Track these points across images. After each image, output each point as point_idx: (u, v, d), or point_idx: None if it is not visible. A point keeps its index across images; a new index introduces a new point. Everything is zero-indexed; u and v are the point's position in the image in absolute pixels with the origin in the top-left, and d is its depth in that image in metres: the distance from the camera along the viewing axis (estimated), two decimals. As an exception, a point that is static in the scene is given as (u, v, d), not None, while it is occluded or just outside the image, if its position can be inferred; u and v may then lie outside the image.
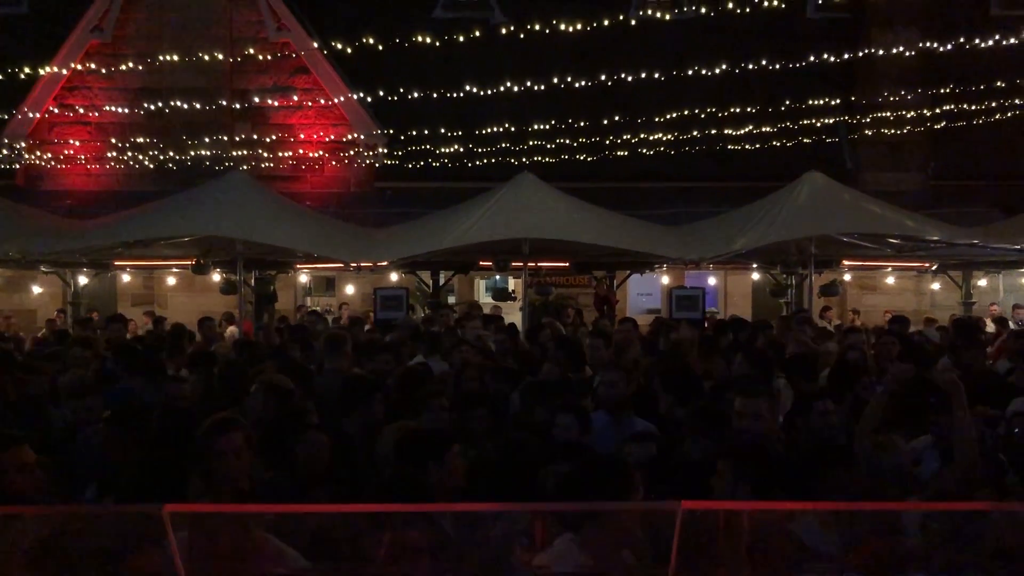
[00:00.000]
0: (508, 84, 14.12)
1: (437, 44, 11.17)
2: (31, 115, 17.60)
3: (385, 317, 12.12)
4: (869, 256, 14.69)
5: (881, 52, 14.42)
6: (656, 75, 12.19)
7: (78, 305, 15.34)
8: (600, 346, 8.01)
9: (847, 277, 16.04)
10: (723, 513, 2.95)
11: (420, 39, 11.04)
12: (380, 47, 11.24)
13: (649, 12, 12.77)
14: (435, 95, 14.59)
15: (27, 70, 12.77)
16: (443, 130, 16.26)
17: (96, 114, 17.22)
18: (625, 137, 15.70)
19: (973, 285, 15.59)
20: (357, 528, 3.01)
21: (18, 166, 17.84)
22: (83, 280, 15.31)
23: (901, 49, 14.15)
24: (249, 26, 18.40)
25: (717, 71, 12.42)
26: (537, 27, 11.03)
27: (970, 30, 15.00)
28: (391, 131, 17.00)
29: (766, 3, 10.13)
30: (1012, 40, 11.76)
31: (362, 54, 11.75)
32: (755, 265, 14.90)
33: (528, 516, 3.24)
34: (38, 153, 17.52)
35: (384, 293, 13.11)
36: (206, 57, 13.23)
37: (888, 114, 16.25)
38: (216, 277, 14.79)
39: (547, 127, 15.61)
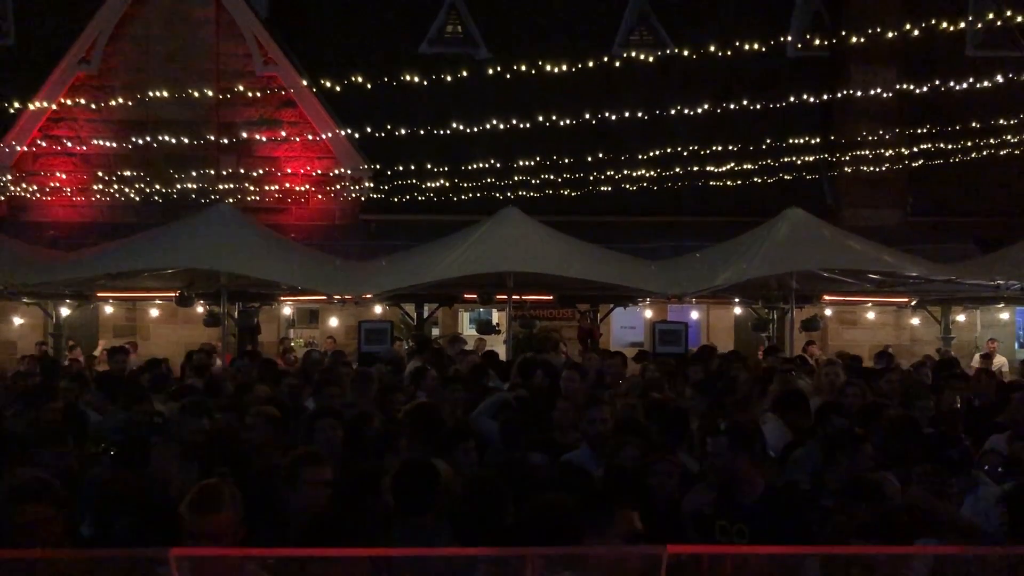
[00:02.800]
0: (494, 120, 14.28)
1: (425, 83, 11.29)
2: (16, 146, 17.60)
3: (370, 350, 12.13)
4: (849, 291, 14.86)
5: (859, 93, 14.71)
6: (639, 114, 12.37)
7: (60, 337, 15.26)
8: (575, 379, 7.99)
9: (828, 312, 16.20)
10: (707, 557, 2.99)
11: (408, 77, 11.17)
12: (367, 83, 11.34)
13: (633, 53, 12.95)
14: (417, 131, 14.74)
15: (16, 104, 12.78)
16: (429, 164, 16.38)
17: (82, 147, 17.25)
18: (609, 173, 15.88)
19: (952, 320, 15.78)
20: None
21: (2, 197, 17.79)
22: (65, 311, 15.23)
23: (879, 90, 14.45)
24: (236, 59, 18.52)
25: (699, 110, 12.63)
26: (523, 67, 11.19)
27: (947, 70, 15.35)
28: (377, 166, 17.10)
29: (747, 46, 10.33)
30: (986, 83, 12.06)
31: (349, 89, 11.85)
32: (737, 300, 15.04)
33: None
34: (23, 185, 17.48)
35: (369, 326, 13.14)
36: (196, 94, 13.31)
37: (867, 152, 16.54)
38: (200, 309, 14.78)
39: (532, 163, 15.78)
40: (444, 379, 8.12)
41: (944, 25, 11.14)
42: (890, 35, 11.72)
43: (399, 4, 21.47)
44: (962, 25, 11.27)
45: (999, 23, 13.74)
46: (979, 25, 16.16)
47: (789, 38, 12.81)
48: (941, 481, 4.60)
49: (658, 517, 4.27)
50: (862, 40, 12.71)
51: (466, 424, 5.99)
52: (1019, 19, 12.51)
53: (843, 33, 13.83)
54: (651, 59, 10.98)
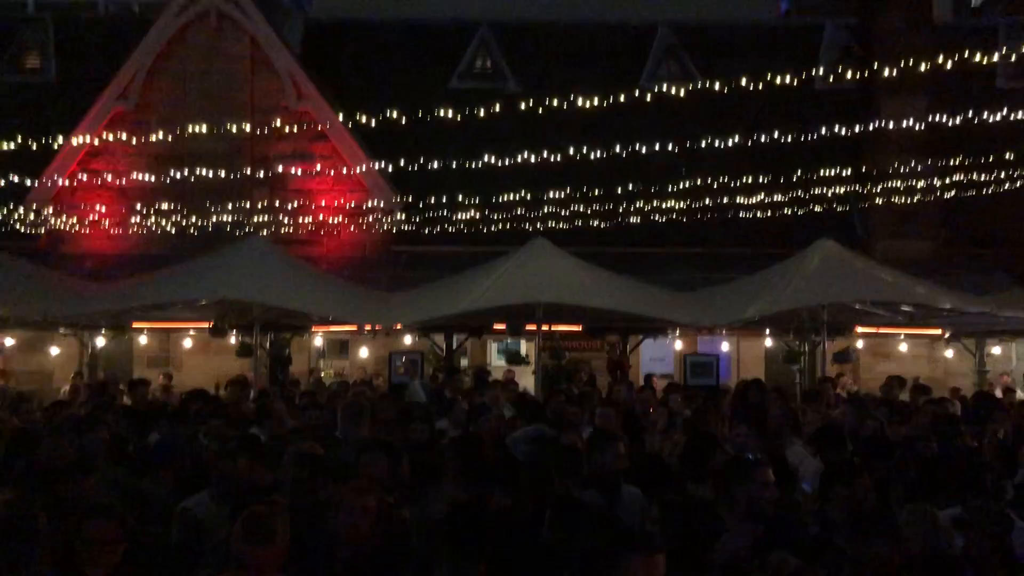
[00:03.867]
0: (523, 153, 14.40)
1: (457, 117, 11.43)
2: (56, 180, 17.98)
3: (400, 381, 12.18)
4: (882, 323, 14.73)
5: (891, 125, 14.68)
6: (669, 147, 12.42)
7: (95, 367, 15.47)
8: (611, 415, 7.90)
9: (860, 344, 16.04)
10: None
11: (441, 112, 11.32)
12: (398, 118, 11.50)
13: (664, 87, 13.03)
14: (448, 164, 14.89)
15: (56, 139, 13.11)
16: (459, 196, 16.51)
17: (119, 180, 17.58)
18: (639, 204, 15.93)
19: (987, 353, 15.57)
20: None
21: (46, 231, 18.14)
22: (100, 342, 15.45)
23: (909, 122, 14.40)
24: (270, 95, 18.86)
25: (730, 143, 12.66)
26: (552, 101, 11.30)
27: (978, 101, 15.27)
28: (408, 198, 17.26)
29: (776, 79, 10.35)
30: (1020, 114, 11.97)
31: (380, 123, 12.02)
32: (768, 331, 14.94)
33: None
34: (64, 217, 17.82)
35: (399, 357, 13.18)
36: (231, 128, 13.57)
37: (899, 184, 16.44)
38: (232, 340, 14.94)
39: (562, 194, 15.86)
40: (475, 407, 8.12)
41: (976, 58, 11.11)
42: (921, 68, 11.68)
43: (430, 39, 21.83)
44: (995, 58, 11.20)
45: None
46: (1012, 58, 16.09)
47: (820, 71, 12.76)
48: (999, 515, 4.48)
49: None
50: (893, 74, 12.71)
51: (513, 459, 5.90)
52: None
53: (874, 66, 13.81)
54: (682, 93, 11.01)
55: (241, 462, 5.44)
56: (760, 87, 10.91)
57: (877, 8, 19.82)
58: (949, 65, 11.44)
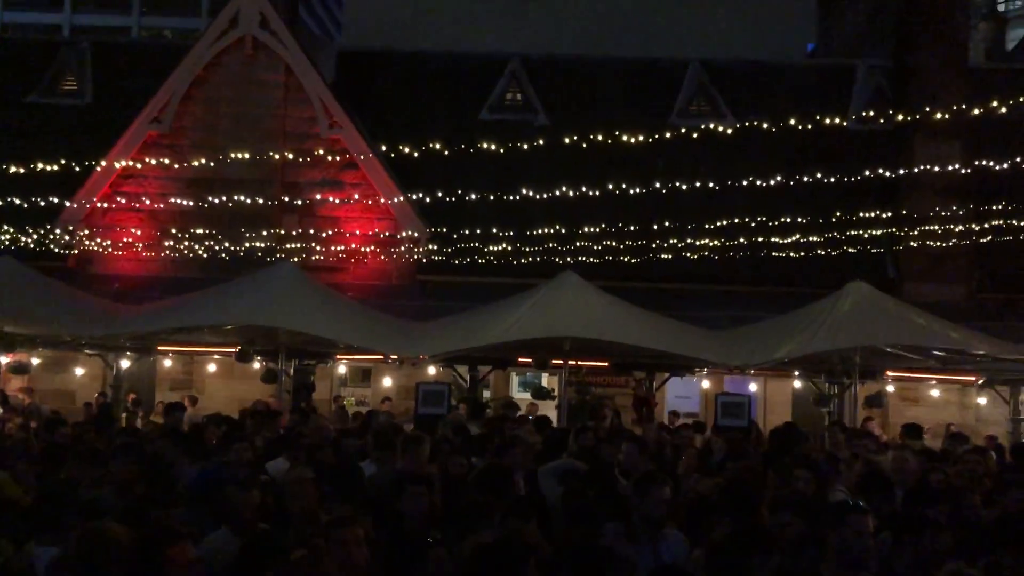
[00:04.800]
0: (553, 186, 14.38)
1: (490, 148, 11.43)
2: (87, 202, 18.13)
3: (427, 412, 12.06)
4: (914, 368, 14.50)
5: (920, 168, 14.60)
6: (697, 184, 12.39)
7: (119, 388, 15.46)
8: (635, 452, 7.77)
9: (890, 388, 15.78)
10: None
11: (474, 146, 11.34)
12: (428, 148, 11.53)
13: (694, 125, 13.02)
14: (478, 196, 14.89)
15: (91, 163, 13.23)
16: (488, 228, 16.48)
17: (150, 203, 17.71)
18: (672, 241, 15.85)
19: (1021, 400, 15.26)
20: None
21: (76, 251, 18.26)
22: (125, 363, 15.46)
23: (939, 167, 14.32)
24: (302, 122, 19.00)
25: (760, 183, 12.60)
26: (580, 135, 11.33)
27: (1013, 145, 15.14)
28: (442, 229, 17.27)
29: (807, 120, 10.33)
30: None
31: (410, 153, 12.05)
32: (797, 373, 14.74)
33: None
34: (99, 240, 17.95)
35: (426, 388, 13.09)
36: (262, 155, 13.66)
37: (936, 228, 16.27)
38: (256, 366, 14.92)
39: (595, 229, 15.82)
40: (505, 440, 8.00)
41: (1011, 103, 11.01)
42: (947, 115, 11.61)
43: (461, 72, 21.96)
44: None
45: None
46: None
47: (854, 113, 12.76)
48: None
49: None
50: (919, 117, 12.63)
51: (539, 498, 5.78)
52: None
53: (908, 108, 13.76)
54: (707, 128, 11.01)
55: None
56: (790, 127, 10.86)
57: (910, 50, 19.76)
58: (983, 110, 11.37)
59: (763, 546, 4.33)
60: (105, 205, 18.43)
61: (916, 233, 16.42)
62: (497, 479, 5.69)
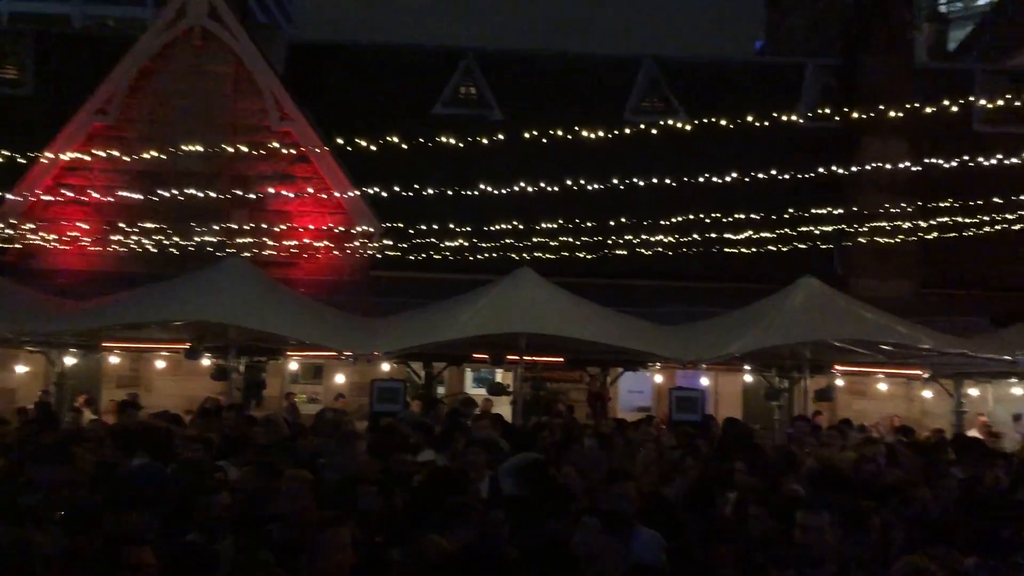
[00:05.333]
0: (506, 181, 14.36)
1: (446, 142, 11.35)
2: (28, 195, 17.62)
3: (382, 410, 11.95)
4: (862, 362, 14.76)
5: (868, 167, 14.88)
6: (664, 181, 12.46)
7: (62, 386, 15.05)
8: (596, 447, 7.79)
9: (839, 382, 16.06)
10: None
11: (428, 140, 11.24)
12: (380, 142, 11.42)
13: (655, 120, 13.09)
14: (433, 191, 14.80)
15: (35, 154, 12.85)
16: (443, 223, 16.40)
17: (96, 196, 17.27)
18: (627, 237, 15.94)
19: (964, 394, 15.63)
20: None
21: (20, 245, 17.73)
22: (69, 361, 15.06)
23: (881, 164, 14.62)
24: (252, 114, 18.68)
25: (715, 179, 12.74)
26: (534, 132, 11.31)
27: (955, 145, 15.50)
28: (398, 224, 17.14)
29: (756, 116, 10.45)
30: (993, 160, 12.18)
31: (362, 146, 11.92)
32: (749, 368, 14.92)
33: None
34: (42, 234, 17.45)
35: (381, 385, 12.97)
36: (212, 147, 13.37)
37: (879, 223, 16.60)
38: (206, 362, 14.64)
39: (551, 225, 15.84)
40: (465, 442, 7.94)
41: (953, 103, 11.28)
42: (893, 113, 11.86)
43: (414, 65, 21.79)
44: (977, 103, 11.40)
45: (1006, 103, 13.91)
46: (989, 105, 16.37)
47: (802, 111, 12.97)
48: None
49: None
50: (869, 116, 12.87)
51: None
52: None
53: (852, 106, 14.03)
54: (663, 124, 11.08)
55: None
56: (741, 123, 10.98)
57: (857, 49, 20.11)
58: (927, 109, 11.61)
59: (726, 539, 4.35)
60: (49, 198, 17.92)
61: (864, 230, 16.72)
62: (448, 482, 5.63)
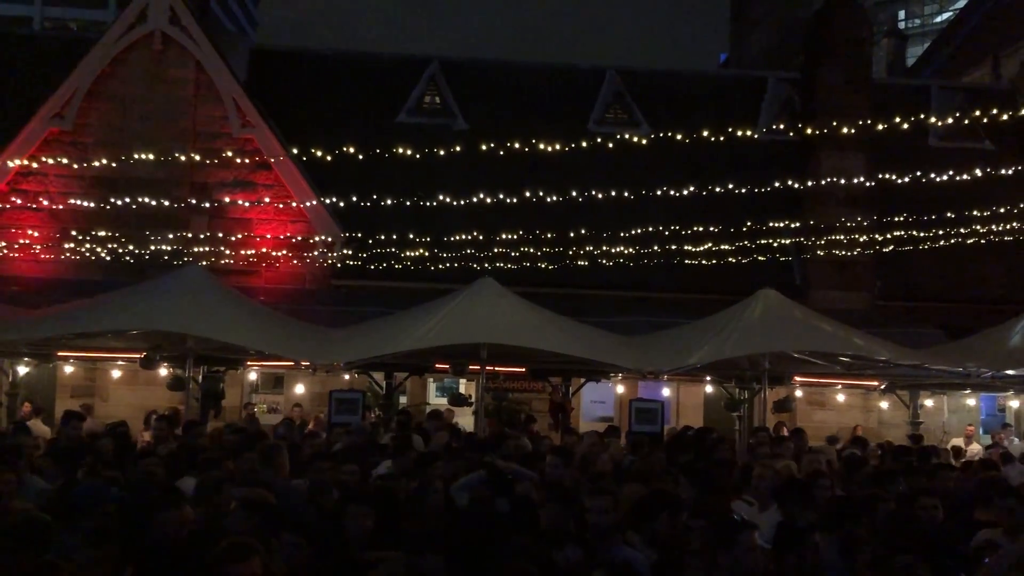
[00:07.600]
0: (472, 192, 14.33)
1: (408, 152, 11.31)
2: (-18, 199, 17.28)
3: (340, 421, 11.84)
4: (820, 373, 14.91)
5: (824, 181, 15.11)
6: (623, 193, 12.52)
7: (15, 396, 14.74)
8: (560, 464, 7.74)
9: (798, 393, 16.23)
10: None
11: (391, 149, 11.20)
12: (342, 150, 11.34)
13: (616, 133, 13.17)
14: (395, 200, 14.74)
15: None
16: (405, 233, 16.35)
17: (50, 202, 16.96)
18: (588, 248, 16.00)
19: (920, 405, 15.86)
20: None
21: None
22: (23, 370, 14.76)
23: (839, 179, 14.87)
24: (213, 121, 18.47)
25: (674, 192, 12.84)
26: (498, 141, 11.31)
27: (911, 160, 15.78)
28: (358, 234, 17.03)
29: (718, 130, 10.55)
30: (950, 174, 12.44)
31: (324, 154, 11.84)
32: (709, 378, 15.01)
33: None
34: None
35: (340, 396, 12.85)
36: (171, 155, 13.20)
37: (841, 237, 16.83)
38: (163, 372, 14.41)
39: (512, 236, 15.85)
40: (424, 454, 7.88)
41: (909, 118, 11.50)
42: (846, 130, 12.06)
43: (378, 74, 21.74)
44: (932, 120, 11.63)
45: (959, 119, 14.18)
46: (939, 124, 16.69)
47: (758, 129, 13.12)
48: None
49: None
50: (826, 131, 13.07)
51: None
52: (977, 113, 13.09)
53: (811, 120, 14.24)
54: (626, 137, 11.14)
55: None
56: (702, 136, 11.09)
57: (817, 64, 20.39)
58: (883, 125, 11.83)
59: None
60: (1, 204, 17.57)
61: (822, 242, 16.93)
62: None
